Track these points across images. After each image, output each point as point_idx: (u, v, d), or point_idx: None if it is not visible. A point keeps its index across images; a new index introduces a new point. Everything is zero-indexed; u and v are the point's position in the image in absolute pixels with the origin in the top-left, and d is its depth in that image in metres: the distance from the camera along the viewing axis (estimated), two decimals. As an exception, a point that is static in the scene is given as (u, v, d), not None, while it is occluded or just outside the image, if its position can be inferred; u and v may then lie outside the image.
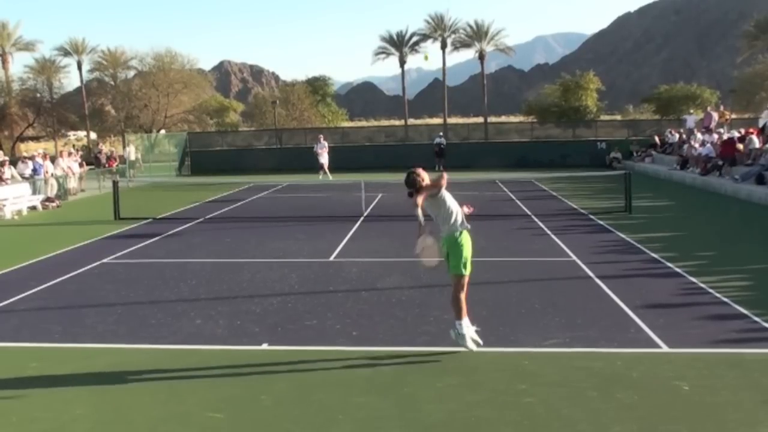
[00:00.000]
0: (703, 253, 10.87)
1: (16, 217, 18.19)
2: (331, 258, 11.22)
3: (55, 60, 52.38)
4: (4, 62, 50.86)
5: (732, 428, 4.69)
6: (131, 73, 55.13)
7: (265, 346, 6.67)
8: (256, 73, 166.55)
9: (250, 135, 45.63)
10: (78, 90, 54.68)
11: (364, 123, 75.91)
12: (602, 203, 17.58)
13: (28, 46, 52.68)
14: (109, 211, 16.72)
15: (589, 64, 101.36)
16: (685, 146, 25.69)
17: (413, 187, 6.16)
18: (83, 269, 10.57)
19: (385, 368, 5.98)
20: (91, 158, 32.32)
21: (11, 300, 8.72)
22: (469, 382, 5.59)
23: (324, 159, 27.70)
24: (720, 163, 21.26)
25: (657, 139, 30.81)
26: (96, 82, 54.71)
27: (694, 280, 8.98)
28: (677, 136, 28.52)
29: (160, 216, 16.96)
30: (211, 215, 17.20)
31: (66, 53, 52.47)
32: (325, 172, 27.42)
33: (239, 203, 19.95)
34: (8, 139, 48.95)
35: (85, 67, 53.16)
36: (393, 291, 8.75)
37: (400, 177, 6.51)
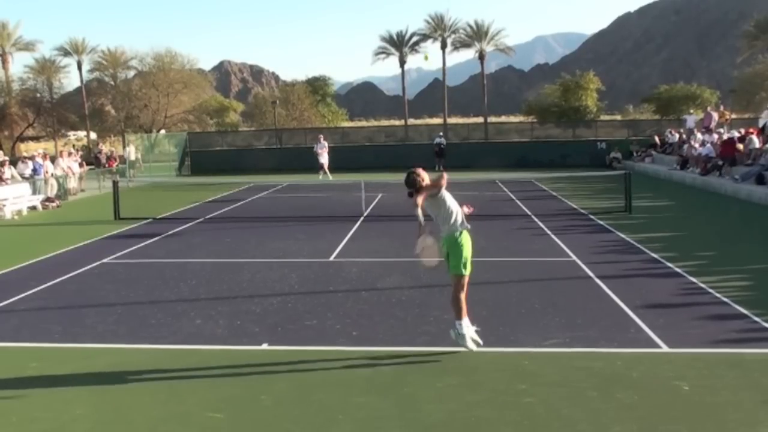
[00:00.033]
0: (703, 253, 10.87)
1: (16, 217, 18.19)
2: (331, 258, 11.22)
3: (55, 60, 52.47)
4: (4, 62, 50.87)
5: (732, 428, 4.69)
6: (131, 73, 55.19)
7: (265, 346, 6.67)
8: (256, 73, 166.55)
9: (250, 135, 45.64)
10: (78, 90, 54.69)
11: (364, 123, 75.92)
12: (602, 203, 17.58)
13: (28, 46, 52.73)
14: (109, 211, 16.72)
15: (589, 64, 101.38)
16: (685, 146, 25.69)
17: (413, 187, 6.16)
18: (83, 269, 10.57)
19: (385, 368, 5.98)
20: (91, 158, 32.32)
21: (11, 300, 8.72)
22: (469, 382, 5.59)
23: (324, 159, 27.70)
24: (720, 163, 21.26)
25: (657, 139, 30.81)
26: (96, 82, 54.72)
27: (694, 280, 8.98)
28: (677, 136, 28.52)
29: (160, 216, 16.96)
30: (211, 215, 17.20)
31: (66, 53, 52.50)
32: (325, 172, 27.42)
33: (239, 203, 19.95)
34: (8, 139, 48.96)
35: (85, 67, 53.25)
36: (393, 291, 8.75)
37: (400, 177, 6.51)
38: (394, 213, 15.63)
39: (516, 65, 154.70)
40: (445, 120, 52.99)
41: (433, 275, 8.74)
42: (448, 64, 55.51)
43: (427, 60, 62.70)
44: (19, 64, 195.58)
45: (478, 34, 53.31)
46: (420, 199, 6.13)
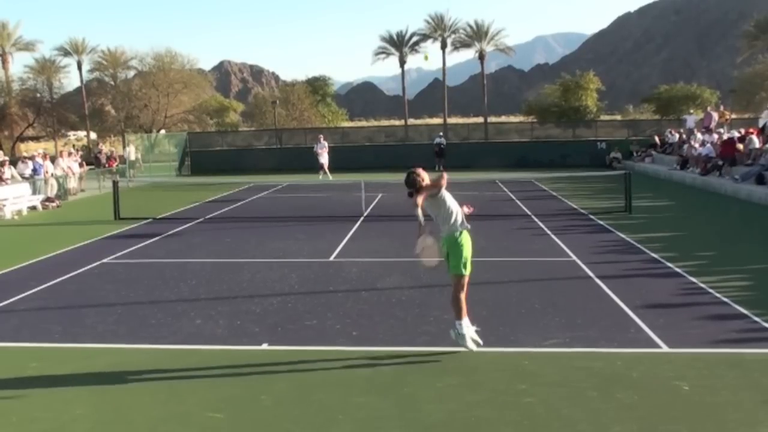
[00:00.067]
0: (703, 253, 10.87)
1: (16, 217, 18.19)
2: (331, 258, 11.22)
3: (55, 60, 52.48)
4: (4, 62, 50.87)
5: (732, 428, 4.69)
6: (131, 73, 55.20)
7: (265, 346, 6.67)
8: (256, 73, 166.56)
9: (250, 135, 45.64)
10: (78, 90, 54.70)
11: (364, 123, 75.93)
12: (602, 203, 17.58)
13: (28, 46, 52.73)
14: (109, 211, 16.72)
15: (589, 64, 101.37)
16: (685, 146, 25.69)
17: (413, 187, 6.16)
18: (83, 269, 10.57)
19: (385, 368, 5.98)
20: (91, 158, 32.32)
21: (11, 300, 8.72)
22: (469, 382, 5.59)
23: (324, 159, 27.70)
24: (720, 163, 21.26)
25: (657, 139, 30.81)
26: (96, 82, 54.73)
27: (694, 280, 8.98)
28: (677, 136, 28.52)
29: (160, 216, 16.96)
30: (211, 215, 17.20)
31: (66, 53, 52.50)
32: (325, 172, 27.42)
33: (239, 203, 19.95)
34: (8, 139, 48.96)
35: (85, 67, 53.26)
36: (393, 291, 8.75)
37: (400, 177, 6.51)
38: (394, 213, 15.63)
39: (516, 65, 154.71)
40: (445, 120, 52.99)
41: (433, 275, 8.74)
42: (448, 64, 55.55)
43: (427, 60, 62.76)
44: (19, 64, 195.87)
45: (478, 34, 53.32)
46: (420, 199, 6.13)
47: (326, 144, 28.41)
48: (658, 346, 6.41)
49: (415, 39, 55.19)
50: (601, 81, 56.91)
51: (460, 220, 6.25)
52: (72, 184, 24.18)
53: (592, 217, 15.36)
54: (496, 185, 22.92)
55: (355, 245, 12.31)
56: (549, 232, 13.31)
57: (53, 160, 24.29)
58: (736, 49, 67.64)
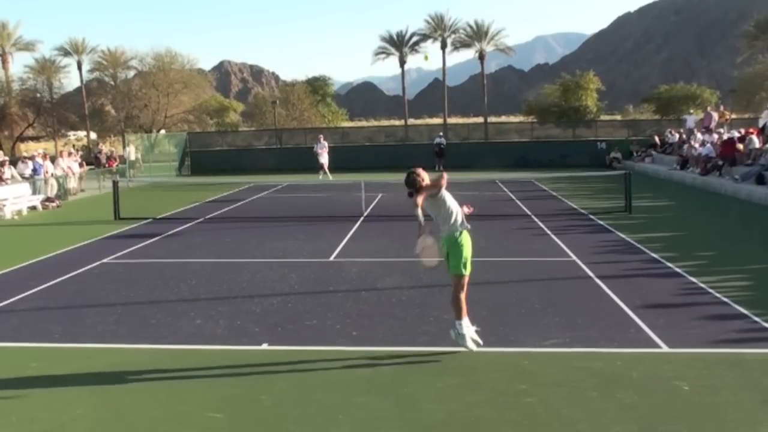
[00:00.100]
0: (703, 253, 10.87)
1: (16, 217, 18.19)
2: (331, 258, 11.22)
3: (55, 60, 52.47)
4: (4, 62, 50.87)
5: (732, 428, 4.69)
6: (131, 73, 55.19)
7: (265, 346, 6.67)
8: (256, 73, 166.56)
9: (250, 135, 45.64)
10: (78, 90, 54.69)
11: (364, 123, 75.92)
12: (602, 203, 17.58)
13: (28, 46, 52.73)
14: (109, 211, 16.72)
15: (589, 64, 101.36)
16: (685, 146, 25.69)
17: (413, 187, 6.16)
18: (83, 269, 10.57)
19: (385, 368, 5.98)
20: (91, 158, 32.32)
21: (11, 300, 8.72)
22: (469, 382, 5.59)
23: (324, 159, 27.70)
24: (720, 163, 21.26)
25: (657, 139, 30.81)
26: (96, 82, 54.73)
27: (694, 280, 8.98)
28: (677, 136, 28.52)
29: (160, 216, 16.96)
30: (211, 215, 17.20)
31: (66, 53, 52.50)
32: (325, 172, 27.42)
33: (239, 203, 19.95)
34: (8, 139, 48.96)
35: (85, 67, 53.25)
36: (393, 291, 8.75)
37: (400, 177, 6.51)
38: (394, 213, 15.63)
39: (516, 65, 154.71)
40: (445, 120, 52.99)
41: (433, 275, 8.74)
42: (448, 64, 55.54)
43: (427, 60, 62.75)
44: (19, 64, 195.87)
45: (478, 34, 53.32)
46: (420, 199, 6.13)
47: (326, 144, 28.41)
48: (658, 346, 6.41)
49: (415, 39, 55.28)
50: (601, 81, 56.92)
51: (460, 220, 6.25)
52: (72, 184, 24.18)
53: (592, 217, 15.36)
54: (496, 185, 22.92)
55: (355, 245, 12.31)
56: (549, 232, 13.31)
57: (53, 160, 24.29)
58: (736, 49, 67.64)
